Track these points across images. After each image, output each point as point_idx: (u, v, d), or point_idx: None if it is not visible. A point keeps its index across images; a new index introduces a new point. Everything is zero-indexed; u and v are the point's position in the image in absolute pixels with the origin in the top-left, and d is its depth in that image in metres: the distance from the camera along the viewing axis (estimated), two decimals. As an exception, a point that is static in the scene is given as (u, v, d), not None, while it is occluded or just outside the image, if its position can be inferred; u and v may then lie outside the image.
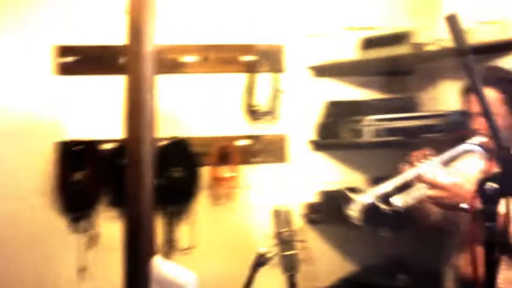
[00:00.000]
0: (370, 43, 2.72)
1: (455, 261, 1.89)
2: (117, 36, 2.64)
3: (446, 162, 1.79)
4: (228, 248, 2.77)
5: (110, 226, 2.66)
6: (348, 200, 1.77)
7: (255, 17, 2.86)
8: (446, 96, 2.76)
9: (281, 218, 1.49)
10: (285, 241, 1.44)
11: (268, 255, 1.47)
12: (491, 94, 1.79)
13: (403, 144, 2.53)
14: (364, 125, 2.55)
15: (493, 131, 1.12)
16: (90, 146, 2.68)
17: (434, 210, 1.92)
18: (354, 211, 1.69)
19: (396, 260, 2.73)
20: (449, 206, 1.73)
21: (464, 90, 1.92)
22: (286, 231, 1.47)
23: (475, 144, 1.80)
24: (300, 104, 2.92)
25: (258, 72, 2.86)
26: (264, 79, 2.87)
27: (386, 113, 2.54)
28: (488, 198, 1.05)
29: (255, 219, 2.80)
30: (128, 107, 1.35)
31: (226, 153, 2.81)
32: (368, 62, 2.77)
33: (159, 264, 1.11)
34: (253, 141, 2.87)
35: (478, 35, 2.44)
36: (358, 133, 2.63)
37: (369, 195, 1.69)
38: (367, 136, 2.51)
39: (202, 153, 2.77)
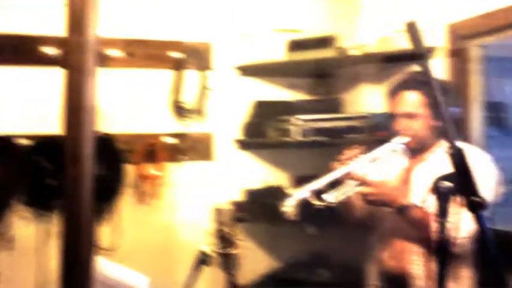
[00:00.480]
0: (297, 45, 2.78)
1: (379, 255, 1.99)
2: (36, 25, 2.56)
3: (374, 161, 1.88)
4: (153, 247, 2.71)
5: (25, 227, 2.51)
6: (280, 197, 1.80)
7: (184, 14, 2.83)
8: (368, 99, 2.89)
9: (221, 216, 1.49)
10: (225, 239, 1.44)
11: (210, 253, 1.46)
12: (415, 97, 1.90)
13: (329, 144, 2.62)
14: (291, 125, 2.61)
15: (447, 132, 1.18)
16: (5, 142, 2.51)
17: (361, 207, 2.01)
18: (288, 207, 1.73)
19: (319, 255, 2.82)
20: (377, 202, 1.82)
21: (390, 93, 2.02)
22: (226, 229, 1.47)
23: (398, 144, 1.91)
24: (226, 103, 2.93)
25: (185, 69, 2.83)
26: (191, 77, 2.85)
27: (313, 113, 2.61)
28: (442, 196, 1.11)
29: (181, 218, 2.77)
30: (67, 102, 1.27)
31: (152, 150, 2.75)
32: (295, 64, 2.83)
33: (105, 267, 1.06)
34: (180, 139, 2.83)
35: (395, 42, 2.58)
36: (285, 132, 2.69)
37: (304, 192, 1.73)
38: (294, 136, 2.57)
39: (127, 150, 2.69)
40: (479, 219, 1.16)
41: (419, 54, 2.42)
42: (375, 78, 2.88)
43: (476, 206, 1.14)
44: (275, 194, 2.83)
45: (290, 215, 1.72)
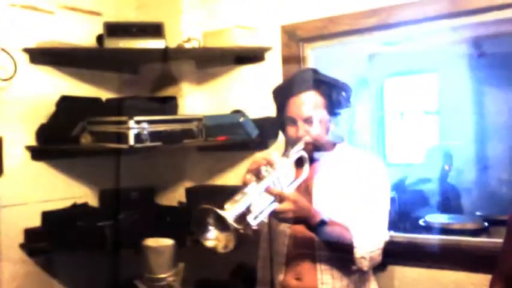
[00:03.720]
0: (112, 31, 2.27)
1: (281, 277, 1.75)
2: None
3: (285, 171, 1.63)
4: None
5: None
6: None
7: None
8: (191, 99, 2.59)
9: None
10: None
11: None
12: (314, 97, 1.74)
13: (162, 149, 2.24)
14: (120, 128, 2.11)
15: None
16: None
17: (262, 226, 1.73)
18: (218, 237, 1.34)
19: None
20: (293, 220, 1.59)
21: (282, 93, 1.80)
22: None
23: (299, 151, 1.71)
24: (16, 99, 2.20)
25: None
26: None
27: (144, 114, 2.16)
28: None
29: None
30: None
31: None
32: (108, 53, 2.31)
33: None
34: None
35: (226, 39, 2.38)
36: (103, 137, 2.17)
37: (230, 217, 1.36)
38: (126, 141, 2.07)
39: None
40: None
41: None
42: (197, 76, 2.60)
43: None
44: (84, 215, 2.27)
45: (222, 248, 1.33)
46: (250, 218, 1.43)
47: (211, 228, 1.37)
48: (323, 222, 1.60)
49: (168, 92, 2.58)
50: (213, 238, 1.35)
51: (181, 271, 1.29)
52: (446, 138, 4.07)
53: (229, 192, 2.37)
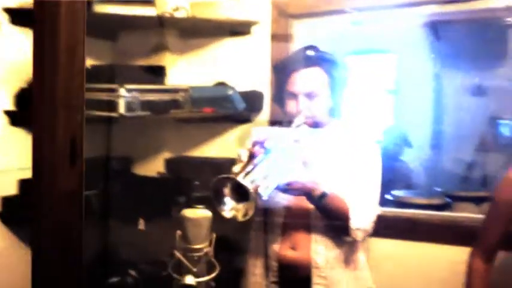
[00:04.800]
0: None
1: (274, 247, 1.81)
2: None
3: (293, 143, 1.67)
4: None
5: None
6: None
7: None
8: (175, 69, 2.55)
9: None
10: None
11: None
12: (317, 73, 1.78)
13: (150, 120, 2.21)
14: (110, 96, 2.07)
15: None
16: None
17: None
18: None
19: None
20: (298, 191, 1.64)
21: (284, 68, 1.83)
22: None
23: (300, 125, 1.76)
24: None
25: None
26: None
27: (135, 82, 2.12)
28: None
29: None
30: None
31: None
32: (97, 18, 2.24)
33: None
34: None
35: (223, 10, 2.37)
36: (87, 104, 2.11)
37: (250, 186, 1.39)
38: (117, 109, 2.04)
39: None
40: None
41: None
42: (181, 46, 2.56)
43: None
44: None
45: (242, 217, 1.36)
46: (261, 189, 1.47)
47: (228, 198, 1.40)
48: (324, 195, 1.67)
49: (150, 61, 2.54)
50: (232, 208, 1.38)
51: (214, 241, 1.32)
52: (402, 117, 4.26)
53: (211, 164, 2.42)
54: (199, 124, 2.55)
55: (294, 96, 1.78)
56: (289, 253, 1.79)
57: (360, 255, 1.86)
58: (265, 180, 1.50)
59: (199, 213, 1.29)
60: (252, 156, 1.55)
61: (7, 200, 2.15)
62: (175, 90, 2.26)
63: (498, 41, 3.60)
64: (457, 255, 2.12)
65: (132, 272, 2.22)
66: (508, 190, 1.65)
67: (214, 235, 1.33)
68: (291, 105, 1.80)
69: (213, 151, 2.57)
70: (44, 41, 0.67)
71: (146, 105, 2.13)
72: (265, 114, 2.44)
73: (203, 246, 1.26)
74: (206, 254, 1.26)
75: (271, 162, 1.54)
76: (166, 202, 2.20)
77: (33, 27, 0.66)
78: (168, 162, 2.52)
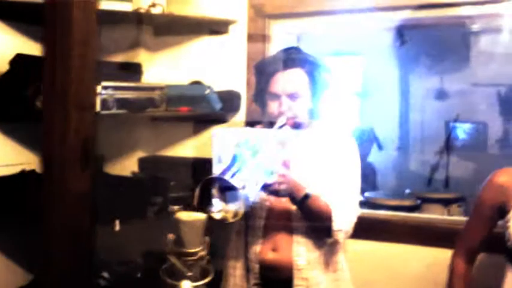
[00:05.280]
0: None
1: (255, 249, 1.79)
2: None
3: (281, 144, 1.66)
4: None
5: None
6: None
7: None
8: (148, 67, 2.50)
9: None
10: None
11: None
12: (299, 74, 1.78)
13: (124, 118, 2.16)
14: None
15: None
16: None
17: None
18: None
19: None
20: (282, 192, 1.64)
21: (265, 69, 1.82)
22: None
23: (281, 126, 1.75)
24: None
25: None
26: None
27: (110, 80, 2.07)
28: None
29: None
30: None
31: None
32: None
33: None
34: None
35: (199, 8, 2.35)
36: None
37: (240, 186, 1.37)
38: (98, 108, 1.98)
39: None
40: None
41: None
42: (155, 43, 2.52)
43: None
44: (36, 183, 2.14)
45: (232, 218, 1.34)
46: (248, 191, 1.46)
47: (217, 199, 1.38)
48: (307, 196, 1.67)
49: (122, 57, 2.48)
50: (221, 209, 1.36)
51: (208, 244, 1.29)
52: (367, 120, 4.33)
53: (187, 164, 2.39)
54: (174, 123, 2.51)
55: (276, 97, 1.77)
56: (270, 255, 1.78)
57: (340, 257, 1.87)
58: (251, 181, 1.48)
59: (194, 216, 1.27)
60: (235, 158, 1.53)
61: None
62: (151, 89, 2.22)
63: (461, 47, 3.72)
64: (430, 256, 2.19)
65: (105, 274, 2.17)
66: (491, 193, 1.69)
67: (207, 238, 1.30)
68: (272, 106, 1.79)
69: (188, 151, 2.54)
70: (56, 41, 0.64)
71: (122, 103, 2.08)
72: (241, 114, 2.42)
73: (198, 250, 1.23)
74: (201, 258, 1.24)
75: (256, 163, 1.52)
76: (141, 202, 2.16)
77: (44, 26, 0.62)
78: (142, 162, 2.47)
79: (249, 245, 1.81)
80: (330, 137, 1.87)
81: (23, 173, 2.20)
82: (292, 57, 1.80)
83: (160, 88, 2.26)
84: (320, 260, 1.80)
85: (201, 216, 1.28)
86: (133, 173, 2.44)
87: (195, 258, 1.20)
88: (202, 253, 1.25)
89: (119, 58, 2.46)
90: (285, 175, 1.60)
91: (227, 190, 1.35)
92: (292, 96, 1.77)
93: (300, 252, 1.76)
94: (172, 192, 2.22)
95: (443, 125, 4.05)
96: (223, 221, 1.35)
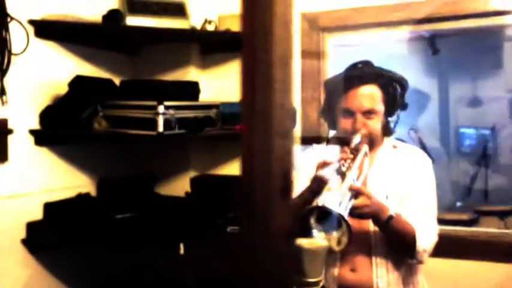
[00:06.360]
0: (133, 7, 2.09)
1: (336, 270, 1.72)
2: None
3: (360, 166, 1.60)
4: None
5: None
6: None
7: None
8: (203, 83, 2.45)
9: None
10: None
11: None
12: (375, 90, 1.72)
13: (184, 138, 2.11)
14: (148, 113, 1.96)
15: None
16: None
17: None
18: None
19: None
20: (368, 215, 1.57)
21: (336, 86, 1.76)
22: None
23: (358, 143, 1.69)
24: (23, 78, 1.95)
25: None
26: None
27: (171, 99, 2.01)
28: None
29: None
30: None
31: None
32: (129, 31, 2.13)
33: None
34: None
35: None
36: (118, 122, 2.00)
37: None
38: (155, 127, 1.93)
39: None
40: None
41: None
42: (203, 61, 2.46)
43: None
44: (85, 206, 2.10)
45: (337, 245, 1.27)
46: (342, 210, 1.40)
47: (315, 230, 1.31)
48: (390, 217, 1.60)
49: (171, 76, 2.43)
50: (324, 237, 1.30)
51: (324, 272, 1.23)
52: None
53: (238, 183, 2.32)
54: (226, 141, 2.45)
55: (350, 113, 1.71)
56: (349, 276, 1.71)
57: (420, 277, 1.80)
58: (342, 206, 1.43)
59: (316, 243, 1.20)
60: (319, 180, 1.47)
61: (32, 225, 2.00)
62: (208, 107, 2.16)
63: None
64: (502, 272, 2.11)
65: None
66: None
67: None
68: (345, 123, 1.73)
69: (237, 169, 2.48)
70: (255, 65, 0.58)
71: (182, 122, 2.03)
72: (297, 130, 2.36)
73: (320, 279, 1.17)
74: (323, 287, 1.17)
75: (344, 186, 1.46)
76: (202, 224, 2.10)
77: (242, 51, 0.57)
78: (194, 181, 2.41)
79: (327, 266, 1.74)
80: (404, 154, 1.81)
81: (79, 196, 2.15)
82: (366, 72, 1.74)
83: (216, 106, 2.21)
84: (399, 280, 1.73)
85: (323, 243, 1.22)
86: (187, 194, 2.38)
87: (317, 288, 1.14)
88: (323, 283, 1.18)
89: (169, 77, 2.41)
90: (370, 197, 1.54)
91: (328, 217, 1.29)
92: (367, 113, 1.71)
93: (380, 273, 1.70)
94: (230, 212, 2.15)
95: (478, 133, 3.97)
96: (329, 249, 1.28)
